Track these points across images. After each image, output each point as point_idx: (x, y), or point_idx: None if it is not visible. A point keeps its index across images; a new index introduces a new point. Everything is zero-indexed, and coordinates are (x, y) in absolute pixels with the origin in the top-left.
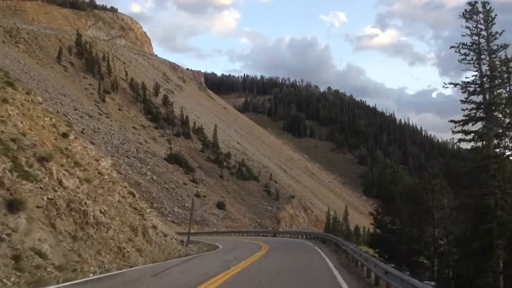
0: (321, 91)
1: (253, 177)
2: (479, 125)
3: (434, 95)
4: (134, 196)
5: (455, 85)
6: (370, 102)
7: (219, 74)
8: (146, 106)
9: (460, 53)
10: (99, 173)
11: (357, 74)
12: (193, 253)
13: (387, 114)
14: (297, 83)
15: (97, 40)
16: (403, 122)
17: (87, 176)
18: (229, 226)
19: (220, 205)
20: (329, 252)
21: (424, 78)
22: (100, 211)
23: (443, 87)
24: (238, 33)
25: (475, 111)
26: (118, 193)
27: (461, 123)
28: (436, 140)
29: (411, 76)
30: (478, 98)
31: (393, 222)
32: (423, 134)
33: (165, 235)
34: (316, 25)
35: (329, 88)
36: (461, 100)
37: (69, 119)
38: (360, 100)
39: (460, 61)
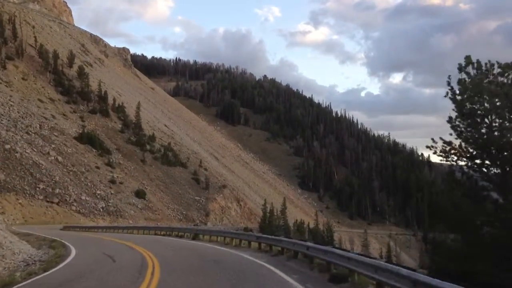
0: (257, 79)
1: (180, 163)
2: None
3: (362, 94)
4: None
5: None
6: None
7: (149, 57)
8: (57, 77)
9: None
10: None
11: (290, 70)
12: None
13: (324, 105)
14: (232, 70)
15: (4, 1)
16: (339, 114)
17: None
18: (148, 218)
19: (140, 194)
20: None
21: (354, 77)
22: None
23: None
24: (171, 21)
25: None
26: None
27: None
28: (372, 133)
29: (342, 74)
30: None
31: None
32: (359, 127)
33: None
34: (251, 19)
35: (264, 76)
36: None
37: None
38: (297, 90)
39: None
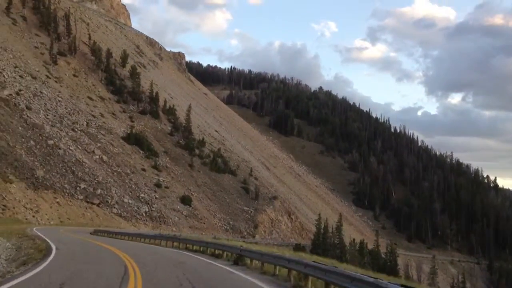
0: (312, 90)
1: (229, 170)
2: None
3: (419, 113)
4: None
5: None
6: None
7: (204, 65)
8: (109, 76)
9: None
10: None
11: (344, 85)
12: None
13: (382, 120)
14: (287, 80)
15: None
16: (398, 130)
17: None
18: (193, 226)
19: (185, 200)
20: None
21: (410, 95)
22: None
23: None
24: (228, 33)
25: None
26: None
27: None
28: (433, 152)
29: (398, 92)
30: None
31: None
32: (420, 144)
33: None
34: (307, 33)
35: (320, 88)
36: None
37: (3, 76)
38: (353, 103)
39: None
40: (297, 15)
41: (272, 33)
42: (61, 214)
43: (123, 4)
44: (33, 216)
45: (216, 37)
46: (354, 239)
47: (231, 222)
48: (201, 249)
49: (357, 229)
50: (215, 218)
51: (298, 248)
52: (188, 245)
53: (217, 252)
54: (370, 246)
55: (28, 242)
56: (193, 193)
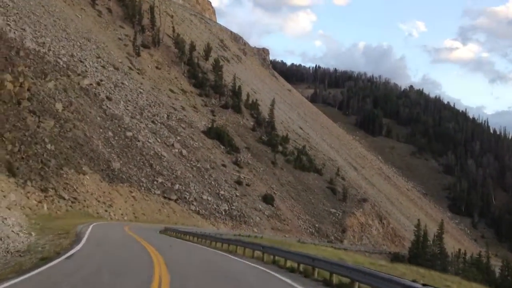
0: (402, 89)
1: (314, 169)
2: None
3: None
4: None
5: None
6: None
7: (288, 64)
8: (192, 69)
9: None
10: None
11: (432, 87)
12: None
13: (480, 121)
14: (374, 79)
15: None
16: (498, 131)
17: None
18: (275, 228)
19: (267, 199)
20: None
21: (505, 98)
22: None
23: None
24: (312, 35)
25: None
26: None
27: None
28: None
29: (491, 95)
30: None
31: None
32: None
33: None
34: (393, 34)
35: (410, 86)
36: None
37: (85, 66)
38: (448, 102)
39: None
40: (383, 15)
41: (357, 34)
42: (136, 209)
43: (208, 1)
44: (106, 211)
45: (300, 39)
46: (459, 250)
47: (316, 225)
48: (301, 267)
49: (454, 237)
50: (299, 219)
51: (396, 258)
52: (276, 257)
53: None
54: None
55: (57, 242)
56: (275, 192)
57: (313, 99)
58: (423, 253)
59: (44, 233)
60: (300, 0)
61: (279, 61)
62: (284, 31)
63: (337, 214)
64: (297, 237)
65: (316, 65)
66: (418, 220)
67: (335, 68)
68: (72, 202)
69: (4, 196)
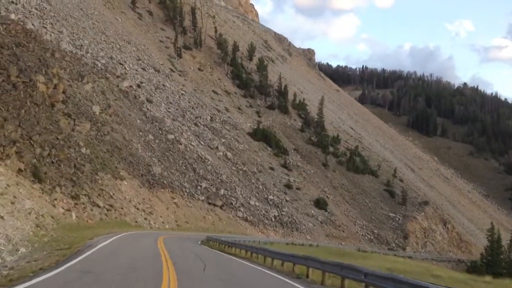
0: (455, 86)
1: (369, 170)
2: None
3: None
4: None
5: None
6: None
7: (335, 65)
8: (235, 69)
9: None
10: None
11: (483, 87)
12: None
13: None
14: (425, 77)
15: None
16: None
17: None
18: (330, 235)
19: (320, 203)
20: None
21: None
22: None
23: None
24: (356, 39)
25: None
26: None
27: None
28: None
29: None
30: None
31: None
32: None
33: None
34: (440, 34)
35: (464, 84)
36: None
37: (125, 68)
38: (505, 98)
39: None
40: (428, 16)
41: (402, 36)
42: (178, 217)
43: (251, 3)
44: (145, 219)
45: (343, 43)
46: None
47: (375, 231)
48: None
49: None
50: (356, 225)
51: (474, 268)
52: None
53: None
54: None
55: (39, 262)
56: (328, 196)
57: (361, 101)
58: (498, 260)
59: (42, 248)
60: (343, 4)
61: (324, 63)
62: (327, 36)
63: (397, 219)
64: (354, 245)
65: (363, 66)
66: (492, 223)
67: (383, 68)
68: (107, 209)
69: (12, 203)
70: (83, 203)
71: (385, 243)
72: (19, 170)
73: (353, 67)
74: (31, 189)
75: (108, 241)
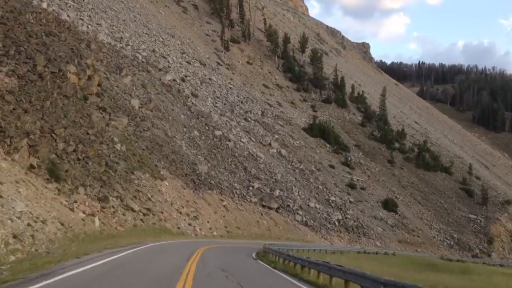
0: None
1: (441, 167)
2: None
3: None
4: None
5: None
6: None
7: (388, 62)
8: (287, 62)
9: None
10: None
11: None
12: None
13: None
14: (488, 71)
15: None
16: None
17: None
18: (404, 240)
19: (389, 205)
20: None
21: None
22: None
23: None
24: (406, 38)
25: None
26: None
27: None
28: None
29: None
30: None
31: None
32: None
33: None
34: (495, 30)
35: None
36: None
37: (168, 61)
38: None
39: None
40: (481, 12)
41: (454, 33)
42: (228, 222)
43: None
44: (189, 224)
45: (394, 42)
46: None
47: (455, 235)
48: None
49: None
50: (432, 229)
51: None
52: None
53: None
54: None
55: None
56: (397, 196)
57: (420, 96)
58: None
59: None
60: (392, 3)
61: (378, 61)
62: (377, 36)
63: (478, 221)
64: (433, 252)
65: (419, 61)
66: None
67: (441, 63)
68: (144, 214)
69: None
70: (113, 207)
71: (467, 249)
72: (31, 167)
73: (409, 63)
74: (43, 189)
75: (101, 261)
